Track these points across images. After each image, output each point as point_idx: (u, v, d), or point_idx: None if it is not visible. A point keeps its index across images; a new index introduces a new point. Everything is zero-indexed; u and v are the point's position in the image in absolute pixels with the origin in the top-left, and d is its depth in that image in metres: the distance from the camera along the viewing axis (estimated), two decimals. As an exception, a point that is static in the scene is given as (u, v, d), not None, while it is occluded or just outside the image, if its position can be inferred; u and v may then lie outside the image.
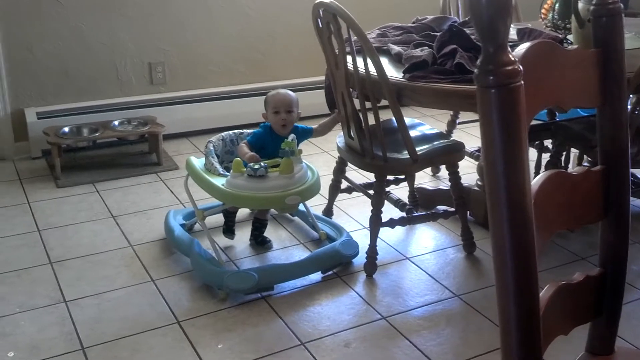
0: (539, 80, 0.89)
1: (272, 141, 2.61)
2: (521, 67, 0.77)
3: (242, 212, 2.98)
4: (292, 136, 2.55)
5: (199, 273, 2.56)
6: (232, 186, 2.47)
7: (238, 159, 2.52)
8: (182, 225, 2.85)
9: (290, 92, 2.69)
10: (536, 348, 0.87)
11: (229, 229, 2.82)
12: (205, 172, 2.61)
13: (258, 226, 2.82)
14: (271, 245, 2.81)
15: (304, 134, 2.72)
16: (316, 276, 2.59)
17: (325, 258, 2.62)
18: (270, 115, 2.64)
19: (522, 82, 0.78)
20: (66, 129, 3.65)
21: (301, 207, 2.79)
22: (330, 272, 2.62)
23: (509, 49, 0.79)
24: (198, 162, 2.70)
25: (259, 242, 2.81)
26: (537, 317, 0.86)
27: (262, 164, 2.46)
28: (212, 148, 2.69)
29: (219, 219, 2.91)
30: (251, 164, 2.46)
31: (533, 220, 0.82)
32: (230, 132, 2.83)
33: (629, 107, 2.96)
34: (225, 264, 2.59)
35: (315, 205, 3.09)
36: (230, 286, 2.42)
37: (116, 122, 3.77)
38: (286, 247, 2.82)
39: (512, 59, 0.77)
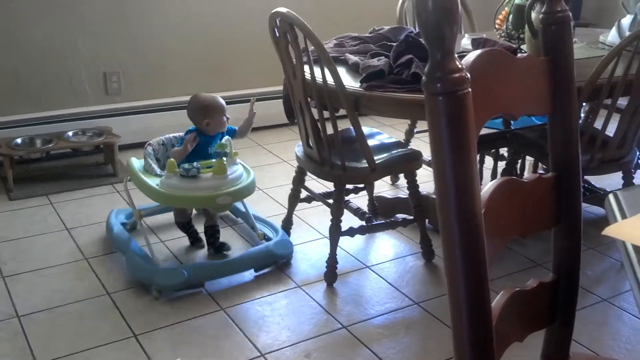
0: (488, 88, 0.89)
1: (203, 144, 2.71)
2: (469, 75, 0.77)
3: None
4: (226, 138, 2.69)
5: (131, 270, 2.62)
6: (165, 186, 2.55)
7: (172, 159, 2.60)
8: (124, 224, 2.93)
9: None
10: (490, 355, 0.87)
11: (195, 240, 2.86)
12: (143, 173, 2.68)
13: (211, 233, 2.82)
14: (229, 248, 2.82)
15: (229, 133, 2.81)
16: (275, 286, 2.58)
17: (258, 257, 2.69)
18: (220, 119, 2.71)
19: (470, 89, 0.78)
20: (19, 140, 3.57)
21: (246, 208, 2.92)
22: (264, 271, 2.69)
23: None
24: (138, 163, 2.76)
25: (217, 249, 2.81)
26: (489, 324, 0.86)
27: (195, 165, 2.54)
28: (151, 151, 2.78)
29: (164, 218, 2.99)
30: (184, 165, 2.53)
31: (483, 227, 0.82)
32: (170, 135, 2.88)
33: (582, 115, 3.02)
34: (160, 263, 2.63)
35: (275, 215, 3.09)
36: (160, 282, 2.49)
37: (70, 133, 3.70)
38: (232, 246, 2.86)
39: (460, 66, 0.77)
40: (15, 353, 2.17)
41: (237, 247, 2.87)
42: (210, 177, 2.54)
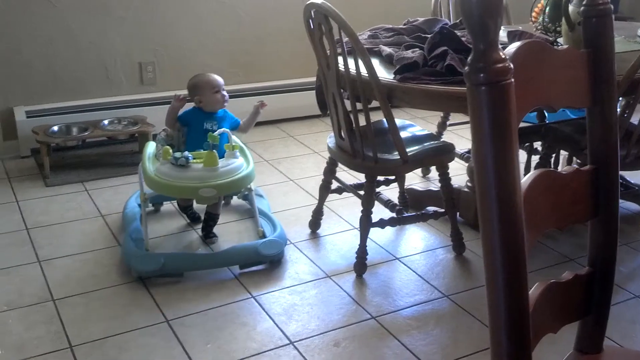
0: (530, 79, 0.89)
1: (198, 119, 2.80)
2: (512, 65, 0.77)
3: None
4: (221, 130, 2.66)
5: (121, 249, 2.71)
6: (158, 173, 2.57)
7: (167, 146, 2.64)
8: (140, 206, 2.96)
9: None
10: (526, 345, 0.88)
11: (193, 220, 2.98)
12: (152, 158, 2.70)
13: (207, 219, 2.85)
14: (214, 241, 2.82)
15: (232, 124, 2.85)
16: (306, 275, 2.60)
17: (242, 254, 2.62)
18: (211, 96, 2.78)
19: (513, 79, 0.78)
20: (55, 128, 3.64)
21: (259, 203, 2.92)
22: (252, 269, 2.62)
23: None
24: (153, 147, 2.79)
25: (205, 235, 2.84)
26: (526, 314, 0.86)
27: (185, 154, 2.55)
28: (164, 136, 2.81)
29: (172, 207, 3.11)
30: (176, 154, 2.56)
31: (523, 218, 0.83)
32: None
33: (618, 109, 2.98)
34: (150, 247, 2.65)
35: (306, 205, 3.11)
36: (136, 267, 2.52)
37: (106, 122, 3.76)
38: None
39: (503, 56, 0.77)
40: (50, 336, 2.22)
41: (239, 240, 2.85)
42: (200, 168, 2.53)
